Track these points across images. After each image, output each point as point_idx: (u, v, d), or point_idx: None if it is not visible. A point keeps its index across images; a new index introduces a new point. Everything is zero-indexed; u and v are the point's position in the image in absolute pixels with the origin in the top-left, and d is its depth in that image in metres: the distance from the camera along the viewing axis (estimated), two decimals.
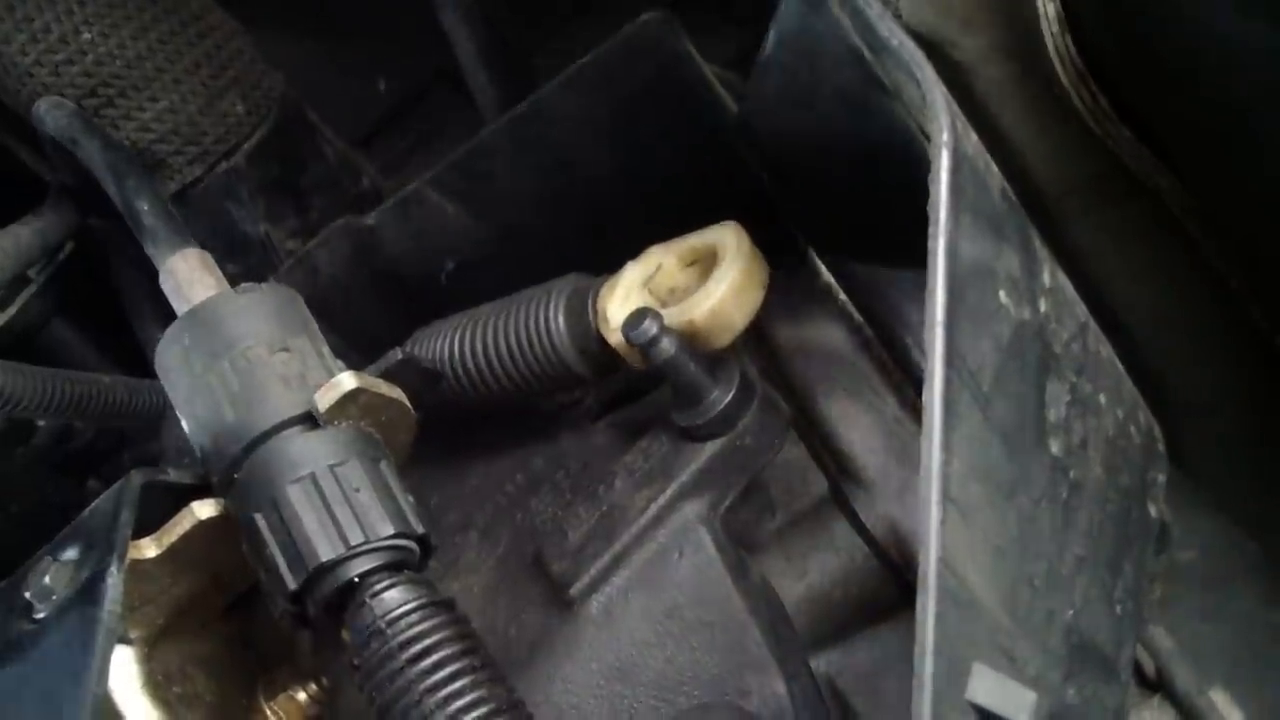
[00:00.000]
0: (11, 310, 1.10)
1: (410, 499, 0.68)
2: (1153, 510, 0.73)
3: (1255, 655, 0.81)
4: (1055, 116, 0.89)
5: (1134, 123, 0.86)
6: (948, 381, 0.54)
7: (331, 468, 0.66)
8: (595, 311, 0.75)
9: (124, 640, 0.72)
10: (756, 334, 0.80)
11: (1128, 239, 0.93)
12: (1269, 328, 0.88)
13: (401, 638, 0.63)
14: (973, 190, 0.58)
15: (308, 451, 0.67)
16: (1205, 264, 0.89)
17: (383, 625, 0.63)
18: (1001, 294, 0.59)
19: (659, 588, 0.70)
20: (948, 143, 0.56)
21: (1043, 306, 0.63)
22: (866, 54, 0.64)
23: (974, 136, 0.60)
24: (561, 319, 0.76)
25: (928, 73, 0.58)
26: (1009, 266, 0.60)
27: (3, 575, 0.70)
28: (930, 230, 0.55)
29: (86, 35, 0.91)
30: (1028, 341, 0.61)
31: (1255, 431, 0.93)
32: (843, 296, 0.82)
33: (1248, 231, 0.84)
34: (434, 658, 0.63)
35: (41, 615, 0.65)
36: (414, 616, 0.64)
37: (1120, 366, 0.72)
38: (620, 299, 0.75)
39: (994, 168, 0.62)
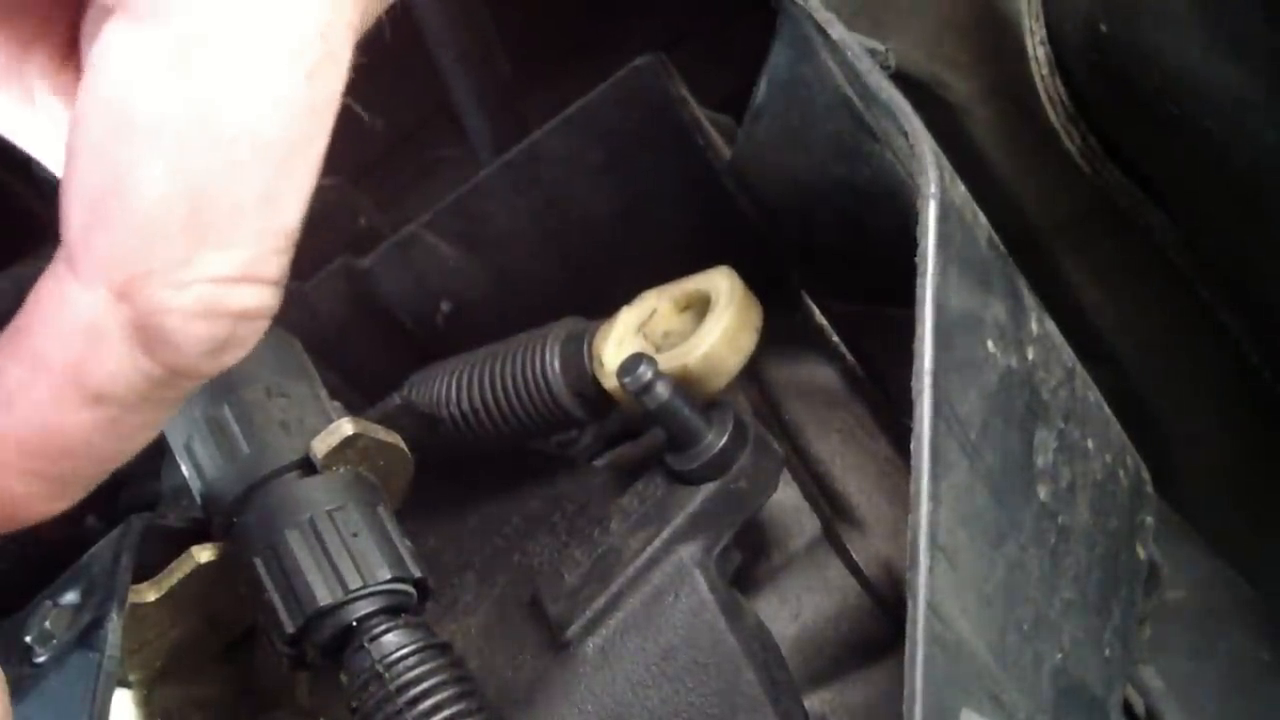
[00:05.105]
0: None
1: (407, 543, 0.68)
2: (1141, 552, 0.74)
3: (1246, 693, 0.81)
4: (1045, 156, 0.89)
5: (1123, 161, 0.87)
6: (936, 431, 0.55)
7: (330, 512, 0.67)
8: (590, 356, 0.76)
9: (123, 683, 0.73)
10: (750, 374, 0.80)
11: (1118, 274, 0.94)
12: (1259, 361, 0.89)
13: (399, 681, 0.64)
14: (960, 241, 0.58)
15: (306, 496, 0.67)
16: (1195, 298, 0.89)
17: (380, 669, 0.64)
18: (989, 343, 0.60)
19: (654, 630, 0.70)
20: (935, 194, 0.57)
21: (1030, 354, 0.63)
22: (856, 102, 0.65)
23: (961, 187, 0.61)
24: (557, 363, 0.77)
25: (916, 125, 0.59)
26: (996, 315, 0.61)
27: (0, 611, 0.70)
28: (918, 281, 0.56)
29: None
30: (1015, 389, 0.61)
31: (1245, 465, 0.94)
32: (835, 338, 0.82)
33: (1236, 265, 0.85)
34: (431, 700, 0.63)
35: (41, 659, 0.65)
36: (411, 660, 0.64)
37: (1108, 411, 0.73)
38: (615, 343, 0.75)
39: (981, 217, 0.62)
